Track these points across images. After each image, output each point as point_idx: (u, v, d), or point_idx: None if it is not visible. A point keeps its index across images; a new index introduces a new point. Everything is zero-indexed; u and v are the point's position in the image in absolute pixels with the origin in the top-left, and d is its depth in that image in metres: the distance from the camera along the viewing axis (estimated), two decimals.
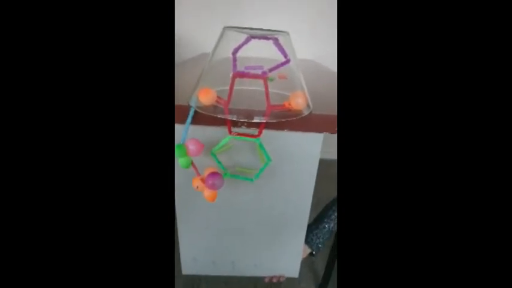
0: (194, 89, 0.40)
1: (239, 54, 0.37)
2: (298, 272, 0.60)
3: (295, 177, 0.47)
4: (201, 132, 0.42)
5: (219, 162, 0.43)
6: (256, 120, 0.38)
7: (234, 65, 0.36)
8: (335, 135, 0.38)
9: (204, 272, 0.59)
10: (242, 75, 0.36)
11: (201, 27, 1.50)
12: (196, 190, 0.41)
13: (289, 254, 0.57)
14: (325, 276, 0.90)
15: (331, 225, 0.66)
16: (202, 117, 0.39)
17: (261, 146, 0.42)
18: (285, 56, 0.37)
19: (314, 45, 1.51)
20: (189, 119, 0.39)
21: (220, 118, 0.38)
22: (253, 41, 0.37)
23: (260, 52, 0.38)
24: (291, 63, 0.38)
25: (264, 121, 0.38)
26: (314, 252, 0.65)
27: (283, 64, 0.37)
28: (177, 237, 0.53)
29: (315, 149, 0.44)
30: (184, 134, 0.39)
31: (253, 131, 0.41)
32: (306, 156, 0.45)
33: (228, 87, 0.36)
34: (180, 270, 0.56)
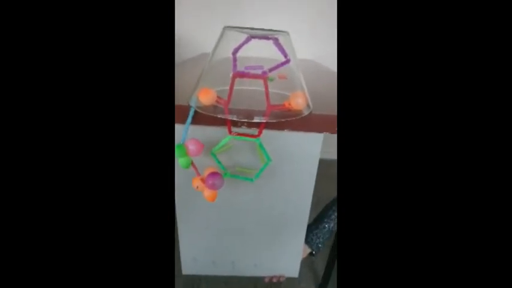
0: (194, 89, 0.40)
1: (239, 54, 0.37)
2: (298, 272, 0.60)
3: (295, 177, 0.47)
4: (201, 132, 0.42)
5: (219, 162, 0.43)
6: (256, 120, 0.38)
7: (234, 65, 0.36)
8: (335, 135, 0.38)
9: (204, 272, 0.59)
10: (242, 75, 0.36)
11: (201, 27, 1.50)
12: (196, 190, 0.41)
13: (289, 254, 0.57)
14: (325, 276, 0.90)
15: (331, 225, 0.66)
16: (202, 117, 0.39)
17: (261, 146, 0.42)
18: (285, 56, 0.37)
19: (314, 45, 1.52)
20: (189, 119, 0.39)
21: (220, 118, 0.38)
22: (253, 41, 0.37)
23: (260, 52, 0.38)
24: (291, 63, 0.38)
25: (264, 121, 0.38)
26: (314, 252, 0.65)
27: (283, 64, 0.37)
28: (177, 237, 0.53)
29: (314, 149, 0.44)
30: (184, 134, 0.39)
31: (253, 131, 0.41)
32: (306, 156, 0.45)
33: (228, 87, 0.36)
34: (180, 270, 0.56)
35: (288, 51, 0.37)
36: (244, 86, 0.38)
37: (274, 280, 0.61)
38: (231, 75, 0.36)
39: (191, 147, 0.39)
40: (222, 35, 0.39)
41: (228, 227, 0.53)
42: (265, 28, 0.39)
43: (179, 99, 0.40)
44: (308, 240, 0.64)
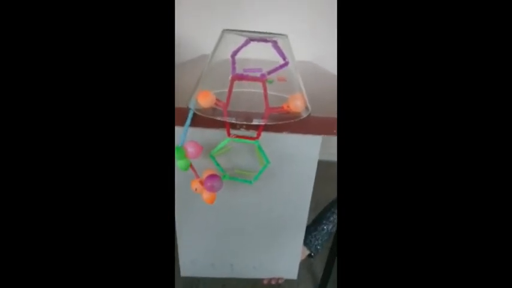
0: (193, 92, 0.40)
1: (238, 56, 0.37)
2: (296, 273, 0.59)
3: (293, 179, 0.47)
4: (199, 134, 0.41)
5: (218, 164, 0.43)
6: (255, 122, 0.38)
7: (233, 68, 0.36)
8: (333, 137, 0.38)
9: (203, 274, 0.59)
10: (241, 77, 0.36)
11: (201, 28, 1.50)
12: (195, 192, 0.41)
13: (287, 256, 0.57)
14: (324, 277, 0.90)
15: (330, 227, 0.66)
16: (201, 120, 0.39)
17: (259, 148, 0.42)
18: (284, 58, 0.37)
19: (314, 45, 1.52)
20: (188, 121, 0.39)
21: (219, 120, 0.38)
22: (252, 43, 0.37)
23: (259, 54, 0.38)
24: (290, 66, 0.38)
25: (263, 123, 0.38)
26: (313, 254, 0.65)
27: (281, 66, 0.37)
28: (176, 239, 0.53)
29: (313, 151, 0.44)
30: (183, 136, 0.39)
31: (252, 133, 0.41)
32: (305, 158, 0.45)
33: (227, 90, 0.36)
34: (179, 272, 0.56)
35: (286, 53, 0.37)
36: (243, 88, 0.38)
37: (273, 282, 0.61)
38: (230, 77, 0.36)
39: (190, 149, 0.39)
40: (220, 38, 0.39)
41: (227, 229, 0.53)
42: (264, 31, 0.39)
43: (178, 101, 0.40)
44: (307, 242, 0.64)
